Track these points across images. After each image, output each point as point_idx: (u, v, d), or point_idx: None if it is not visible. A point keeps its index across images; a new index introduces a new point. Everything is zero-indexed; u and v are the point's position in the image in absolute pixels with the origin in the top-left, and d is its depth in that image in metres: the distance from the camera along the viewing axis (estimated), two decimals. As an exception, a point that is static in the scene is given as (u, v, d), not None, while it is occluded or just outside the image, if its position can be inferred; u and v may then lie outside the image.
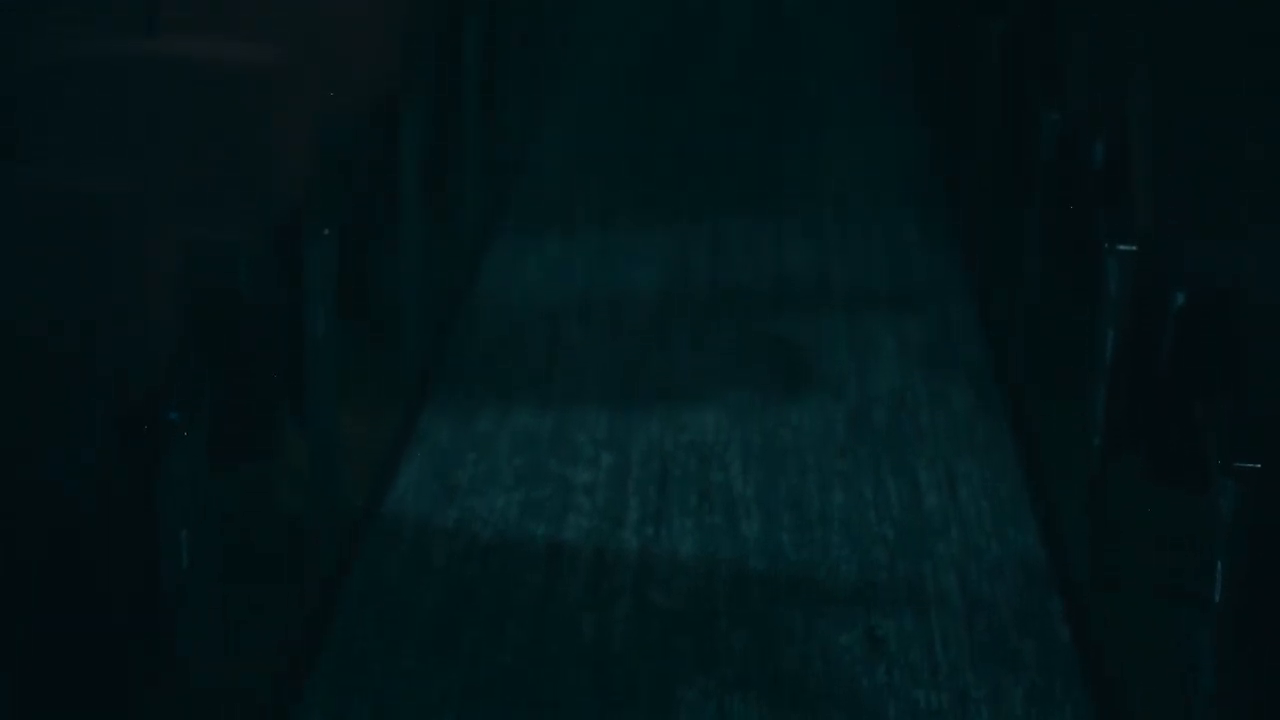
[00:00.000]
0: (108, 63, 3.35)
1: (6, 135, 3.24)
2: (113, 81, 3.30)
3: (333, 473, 3.48)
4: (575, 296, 4.73)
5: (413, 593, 3.34)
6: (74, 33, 3.57)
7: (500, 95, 5.52)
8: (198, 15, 3.93)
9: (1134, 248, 3.34)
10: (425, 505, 3.66)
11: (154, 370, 2.58)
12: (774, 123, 6.26)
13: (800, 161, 5.81)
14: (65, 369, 2.42)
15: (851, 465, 3.85)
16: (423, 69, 4.25)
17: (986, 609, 3.31)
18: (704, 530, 3.56)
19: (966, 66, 5.24)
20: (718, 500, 3.69)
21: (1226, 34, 3.99)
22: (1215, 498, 2.62)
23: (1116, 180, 3.63)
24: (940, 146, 5.81)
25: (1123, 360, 3.33)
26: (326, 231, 3.30)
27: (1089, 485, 3.40)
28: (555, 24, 7.15)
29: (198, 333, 2.76)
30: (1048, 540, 3.55)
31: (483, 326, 4.54)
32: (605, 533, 3.55)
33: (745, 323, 4.60)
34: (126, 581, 2.42)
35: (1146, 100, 3.48)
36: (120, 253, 2.60)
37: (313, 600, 3.30)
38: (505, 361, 4.35)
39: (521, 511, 3.63)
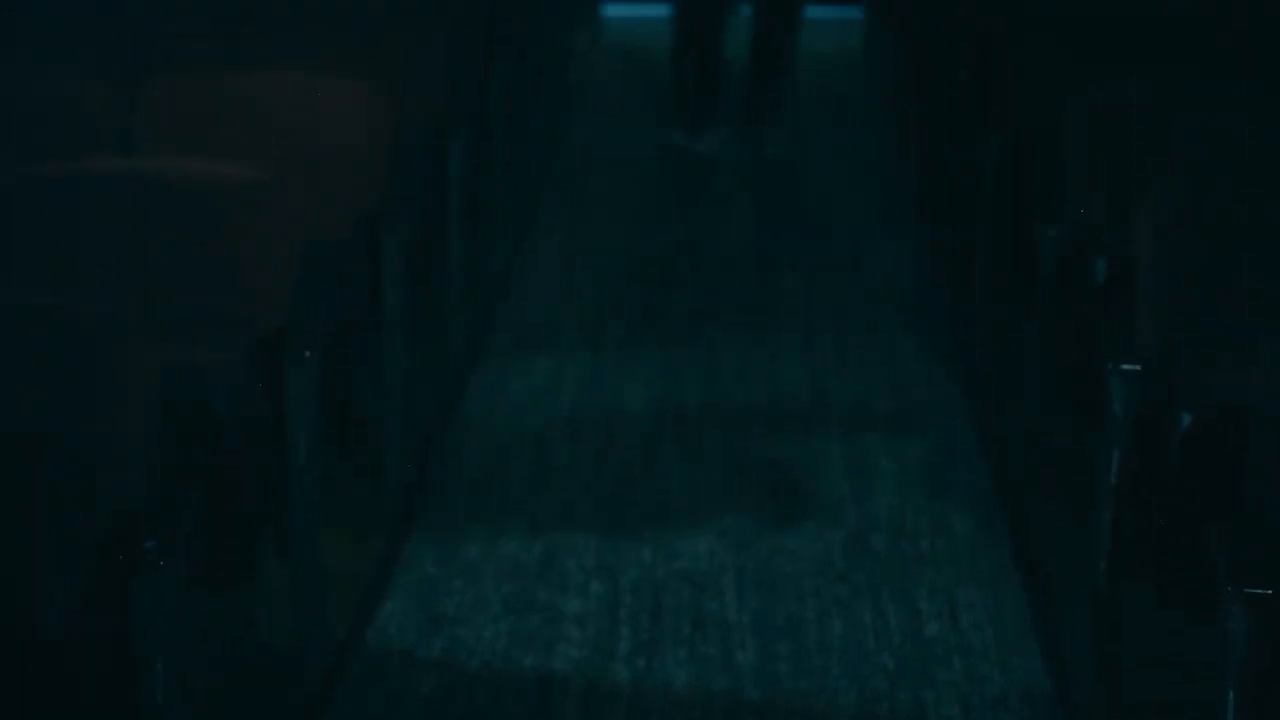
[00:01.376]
0: (84, 180, 3.38)
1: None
2: (90, 199, 3.33)
3: (315, 601, 3.48)
4: (564, 418, 4.74)
5: (397, 727, 3.33)
6: (50, 149, 3.61)
7: (488, 213, 5.56)
8: (175, 131, 3.97)
9: (1138, 366, 3.36)
10: (410, 635, 3.65)
11: (132, 495, 2.59)
12: (770, 236, 6.30)
13: (796, 276, 5.84)
14: (41, 493, 2.43)
15: (850, 592, 3.84)
16: (407, 186, 4.28)
17: (991, 741, 3.31)
18: (698, 661, 3.56)
19: (966, 180, 5.29)
20: (712, 630, 3.68)
21: (1232, 147, 4.04)
22: (1225, 624, 2.62)
23: (1119, 297, 3.65)
24: (939, 262, 5.85)
25: (1128, 482, 3.34)
26: (308, 354, 3.31)
27: (1095, 612, 3.40)
28: (547, 142, 7.21)
29: (176, 457, 2.76)
30: (1053, 669, 3.54)
31: (469, 449, 4.54)
32: (596, 664, 3.54)
33: (739, 445, 4.61)
34: (101, 715, 2.41)
35: (1150, 215, 3.51)
36: (98, 374, 2.61)
37: (293, 735, 3.28)
38: (492, 486, 4.35)
39: (509, 642, 3.62)
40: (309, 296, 3.50)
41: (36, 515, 2.43)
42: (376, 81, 4.15)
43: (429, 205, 4.62)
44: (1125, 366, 3.36)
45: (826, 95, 8.23)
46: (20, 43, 4.44)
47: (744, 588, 3.85)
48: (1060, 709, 3.41)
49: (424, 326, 4.67)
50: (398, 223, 4.08)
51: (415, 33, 4.73)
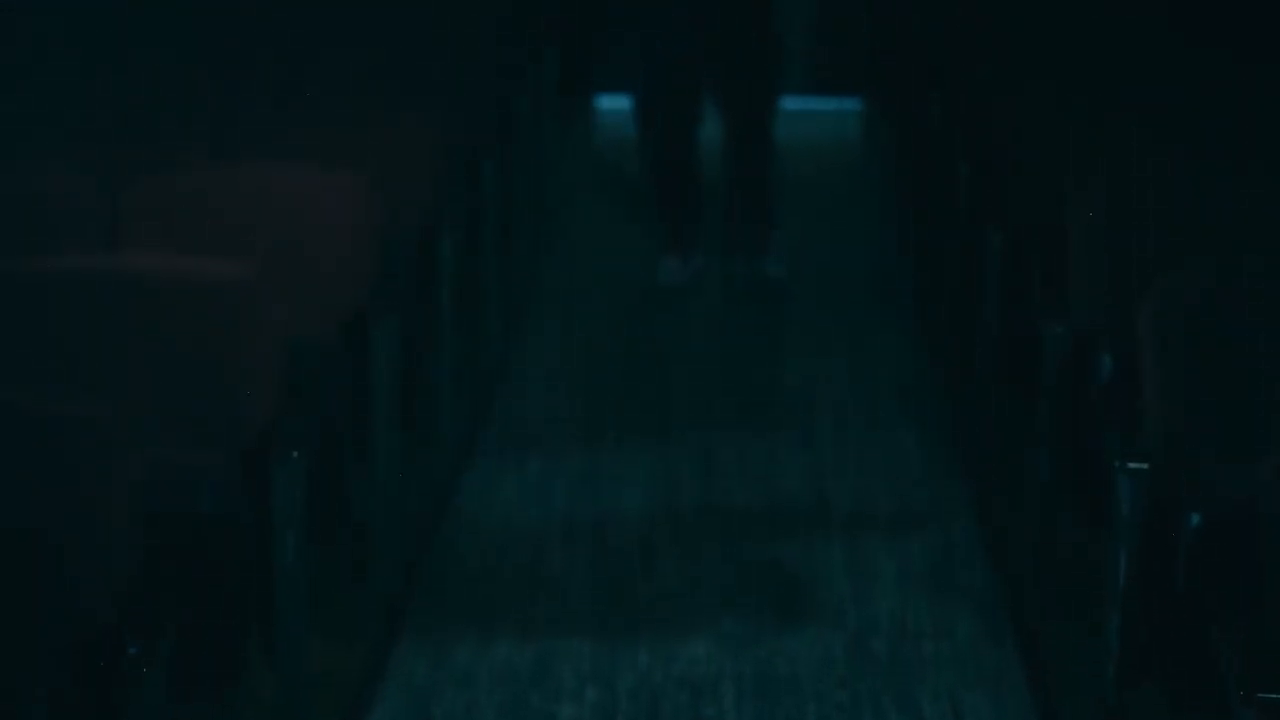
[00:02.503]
0: (67, 278, 3.39)
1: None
2: (73, 296, 3.35)
3: (303, 707, 3.47)
4: (558, 519, 4.74)
5: (385, 839, 3.31)
6: (33, 245, 3.62)
7: (479, 308, 5.58)
8: (160, 227, 3.99)
9: (1145, 465, 3.36)
10: (399, 744, 3.64)
11: (115, 599, 2.58)
12: (767, 332, 6.32)
13: (795, 374, 5.85)
14: (21, 595, 2.43)
15: (851, 697, 3.83)
16: (396, 282, 4.30)
17: None
18: (696, 769, 3.54)
19: (967, 278, 5.31)
20: (710, 736, 3.67)
21: (1239, 241, 4.06)
22: (1237, 729, 2.61)
23: (1125, 394, 3.66)
24: (940, 360, 5.86)
25: (1136, 584, 3.34)
26: (295, 454, 3.32)
27: (1103, 717, 3.39)
28: (539, 236, 7.24)
29: (160, 560, 2.77)
30: (1062, 777, 3.53)
31: (461, 550, 4.54)
32: (591, 773, 3.53)
33: (737, 546, 4.61)
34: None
35: (1155, 311, 3.53)
36: (81, 476, 2.61)
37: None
38: (484, 588, 4.34)
39: (502, 750, 3.61)
40: (296, 395, 3.51)
41: (16, 618, 2.43)
42: (365, 175, 4.17)
43: (419, 301, 4.64)
44: (1132, 465, 3.36)
45: (823, 188, 8.27)
46: (2, 136, 4.47)
47: (743, 693, 3.84)
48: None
49: (414, 424, 4.67)
50: (387, 319, 4.09)
51: (404, 126, 4.77)
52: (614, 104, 10.09)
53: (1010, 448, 4.70)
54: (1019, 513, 4.44)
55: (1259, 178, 4.36)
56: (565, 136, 8.80)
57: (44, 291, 3.35)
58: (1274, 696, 2.58)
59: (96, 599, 2.55)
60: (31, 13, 5.76)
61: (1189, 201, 4.19)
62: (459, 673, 3.91)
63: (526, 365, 5.93)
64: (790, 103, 7.29)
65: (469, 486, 4.93)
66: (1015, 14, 7.01)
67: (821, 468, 5.09)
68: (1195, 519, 3.19)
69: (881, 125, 9.02)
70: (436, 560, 4.48)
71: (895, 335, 6.26)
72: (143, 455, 2.77)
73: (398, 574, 4.32)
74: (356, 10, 6.68)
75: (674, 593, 4.33)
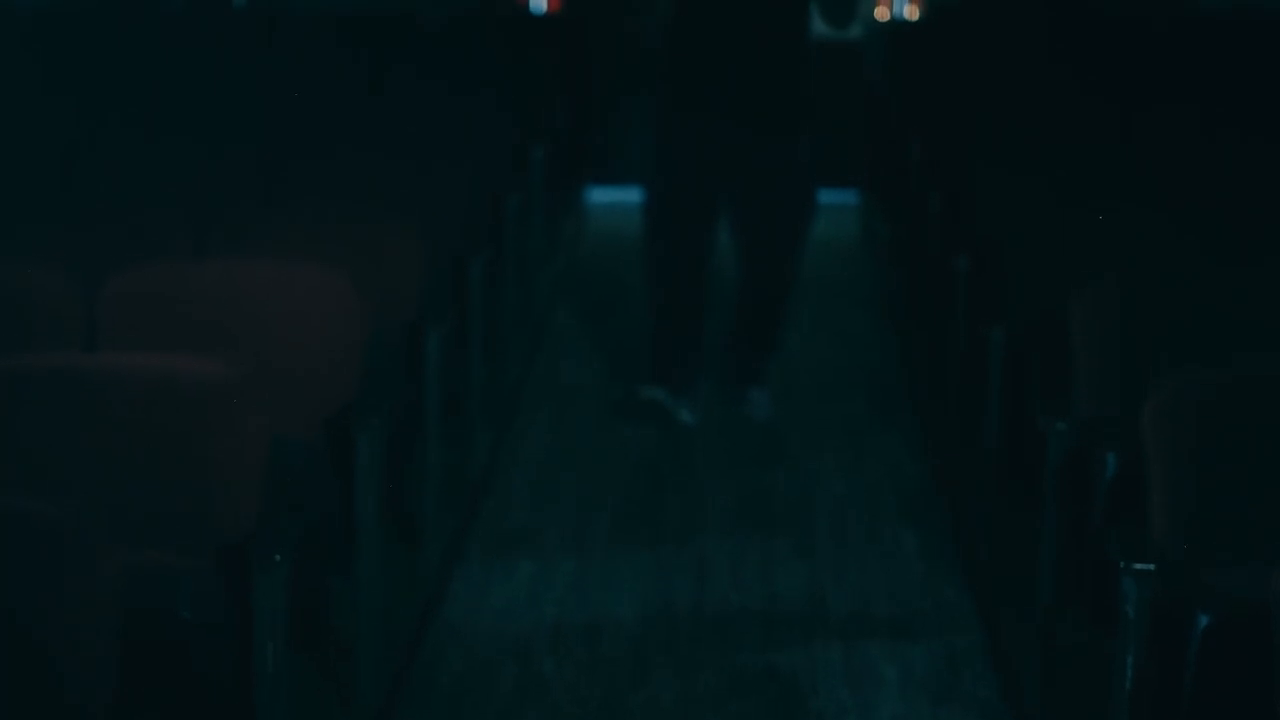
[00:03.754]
0: (47, 377, 3.41)
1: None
2: (52, 396, 3.36)
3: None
4: (547, 627, 4.73)
5: None
6: (12, 344, 3.64)
7: (466, 408, 5.59)
8: (141, 325, 4.02)
9: (1151, 566, 3.37)
10: None
11: (94, 703, 2.59)
12: (763, 434, 6.33)
13: (791, 477, 5.86)
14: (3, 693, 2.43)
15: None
16: (381, 382, 4.32)
17: None
18: None
19: (967, 376, 5.34)
20: None
21: (1244, 337, 4.09)
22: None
23: (1131, 493, 3.67)
24: (941, 461, 5.88)
25: (1144, 688, 3.34)
26: (278, 557, 3.32)
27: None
28: (529, 335, 7.26)
29: (139, 664, 2.77)
30: None
31: (448, 658, 4.53)
32: None
33: (733, 653, 4.60)
34: None
35: (1161, 407, 3.55)
36: (62, 578, 2.61)
37: None
38: (472, 698, 4.34)
39: None
40: (279, 497, 3.52)
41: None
42: (350, 273, 4.20)
43: (405, 401, 4.65)
44: (1138, 566, 3.37)
45: (819, 283, 8.29)
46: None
47: (739, 805, 3.83)
48: None
49: (400, 528, 4.68)
50: (372, 419, 4.10)
51: (391, 223, 4.80)
52: (606, 197, 10.16)
53: (1013, 549, 4.71)
54: (1023, 616, 4.44)
55: (1271, 272, 4.39)
56: (556, 232, 8.84)
57: (21, 390, 3.37)
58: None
59: (78, 701, 2.55)
60: (13, 106, 5.82)
61: (1195, 297, 4.22)
62: (446, 785, 3.89)
63: (516, 466, 5.93)
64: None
65: (456, 593, 4.92)
66: (1015, 107, 7.09)
67: (819, 573, 5.09)
68: (1203, 621, 3.20)
69: (879, 219, 9.08)
70: (423, 668, 4.47)
71: (894, 435, 6.27)
72: (124, 556, 2.77)
73: (382, 684, 4.31)
74: (344, 108, 6.75)
75: (668, 703, 4.32)
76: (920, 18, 11.60)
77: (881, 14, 11.62)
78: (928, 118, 7.59)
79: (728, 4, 6.05)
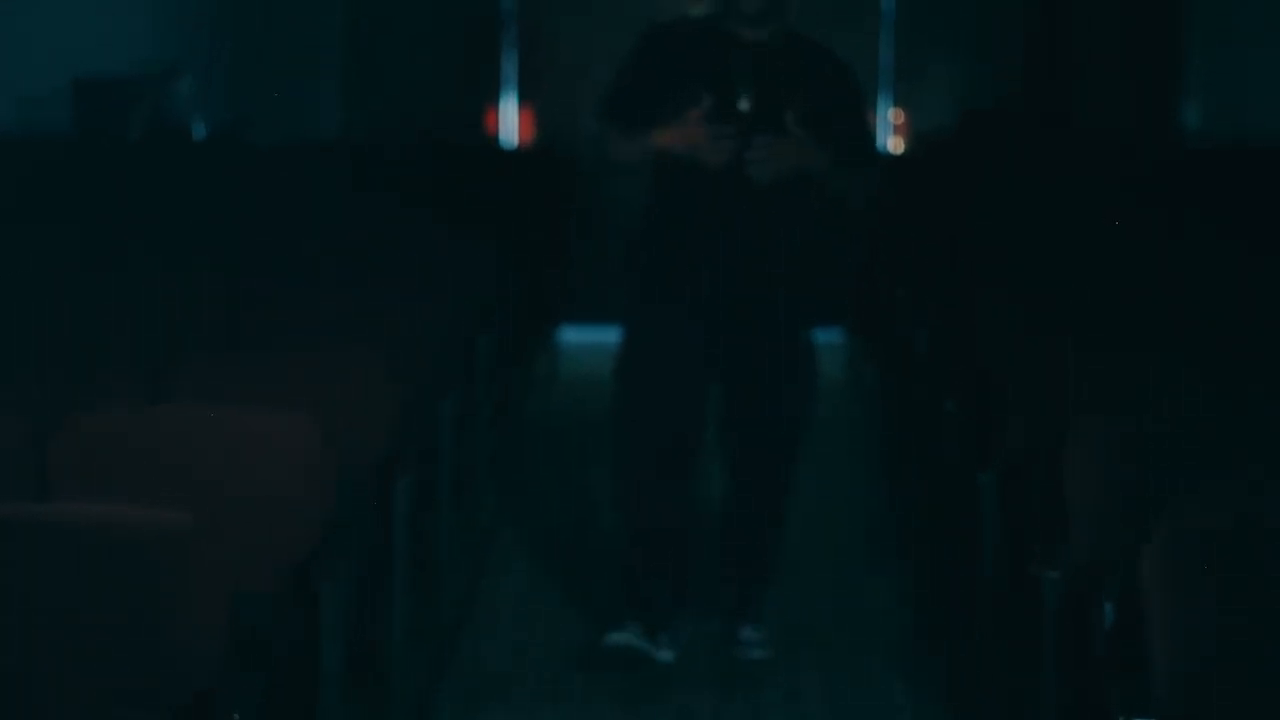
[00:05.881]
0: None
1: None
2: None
3: None
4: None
5: None
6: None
7: (436, 558, 5.57)
8: (93, 473, 4.00)
9: (1154, 719, 3.35)
10: None
11: None
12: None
13: (777, 625, 5.83)
14: None
15: None
16: (347, 530, 4.30)
17: None
18: None
19: (957, 522, 5.33)
20: None
21: (1247, 480, 4.09)
22: None
23: (1130, 643, 3.66)
24: (930, 609, 5.86)
25: None
26: (236, 716, 3.30)
27: None
28: (501, 480, 7.26)
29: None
30: None
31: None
32: None
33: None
34: None
35: (1161, 553, 3.54)
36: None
37: None
38: None
39: None
40: (238, 654, 3.49)
41: None
42: (315, 416, 4.19)
43: (372, 550, 4.63)
44: (1139, 719, 3.35)
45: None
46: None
47: None
48: None
49: (366, 683, 4.64)
50: (337, 570, 4.08)
51: (357, 365, 4.80)
52: (579, 336, 10.20)
53: (1009, 701, 4.68)
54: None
55: (1275, 411, 4.40)
56: (529, 373, 8.86)
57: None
58: None
59: None
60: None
61: (1194, 436, 4.23)
62: None
63: (488, 614, 5.91)
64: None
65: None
66: (1005, 244, 7.14)
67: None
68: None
69: (865, 358, 9.12)
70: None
71: (883, 582, 6.26)
72: (75, 716, 2.75)
73: None
74: (309, 243, 6.78)
75: None
76: (905, 151, 11.72)
77: (865, 147, 11.69)
78: (914, 254, 7.64)
79: (723, 170, 5.22)
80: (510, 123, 11.91)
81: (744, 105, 5.25)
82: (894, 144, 11.86)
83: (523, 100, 11.94)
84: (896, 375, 7.35)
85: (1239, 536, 3.62)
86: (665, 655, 5.44)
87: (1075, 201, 8.01)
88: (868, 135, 5.59)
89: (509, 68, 11.93)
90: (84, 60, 9.33)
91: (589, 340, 9.90)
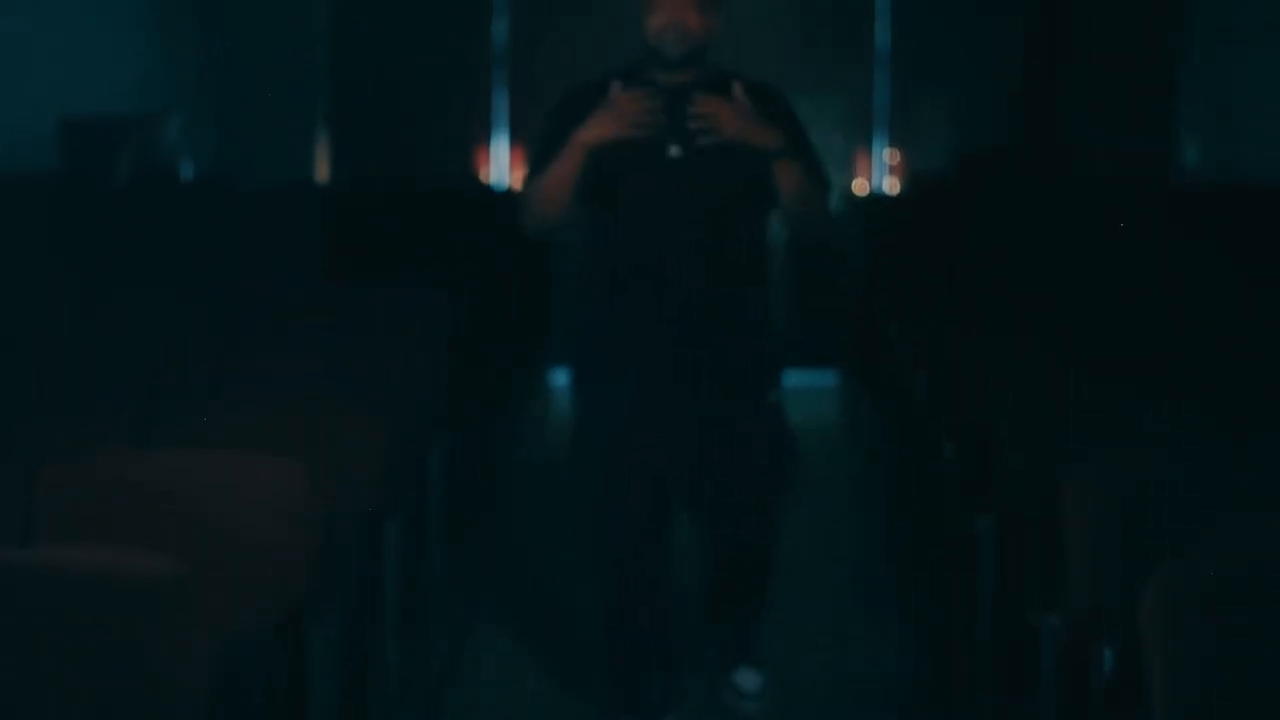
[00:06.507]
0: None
1: None
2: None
3: None
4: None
5: None
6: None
7: (426, 605, 5.56)
8: (79, 519, 4.00)
9: (1154, 769, 3.35)
10: None
11: None
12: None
13: (769, 676, 5.83)
14: None
15: None
16: (337, 577, 4.30)
17: None
18: None
19: (955, 568, 5.33)
20: None
21: (1249, 528, 4.09)
22: None
23: (1130, 691, 3.66)
24: (928, 657, 5.85)
25: None
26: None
27: None
28: (492, 527, 7.25)
29: None
30: None
31: None
32: None
33: None
34: None
35: (1160, 598, 3.54)
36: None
37: None
38: None
39: None
40: (226, 699, 3.48)
41: None
42: (305, 461, 4.19)
43: (361, 598, 4.63)
44: (1140, 769, 3.35)
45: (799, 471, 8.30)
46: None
47: None
48: None
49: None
50: (326, 617, 4.08)
51: (347, 413, 4.80)
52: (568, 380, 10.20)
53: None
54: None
55: (1269, 456, 4.40)
56: (519, 416, 8.86)
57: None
58: None
59: None
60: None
61: (1197, 481, 4.23)
62: None
63: (480, 663, 5.90)
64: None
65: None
66: (1004, 287, 7.15)
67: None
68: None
69: (860, 402, 9.12)
70: None
71: (879, 631, 6.25)
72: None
73: None
74: (299, 287, 6.79)
75: None
76: (901, 192, 11.76)
77: (860, 187, 11.77)
78: (911, 295, 7.65)
79: (661, 218, 4.95)
80: (501, 162, 11.94)
81: (674, 151, 4.90)
82: (890, 184, 11.89)
83: (514, 140, 11.97)
84: (893, 419, 7.35)
85: (1241, 584, 3.62)
86: None
87: (1074, 243, 8.02)
88: (816, 163, 5.03)
89: (500, 107, 11.95)
90: (72, 101, 9.35)
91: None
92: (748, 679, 5.49)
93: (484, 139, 11.98)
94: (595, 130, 4.85)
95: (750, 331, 5.06)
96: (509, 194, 11.48)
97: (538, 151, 5.03)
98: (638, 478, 5.05)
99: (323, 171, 11.92)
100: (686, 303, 4.93)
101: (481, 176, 11.96)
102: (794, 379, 9.16)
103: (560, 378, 10.28)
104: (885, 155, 11.90)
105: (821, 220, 5.11)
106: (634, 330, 4.98)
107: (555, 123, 5.01)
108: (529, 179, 5.01)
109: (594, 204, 4.95)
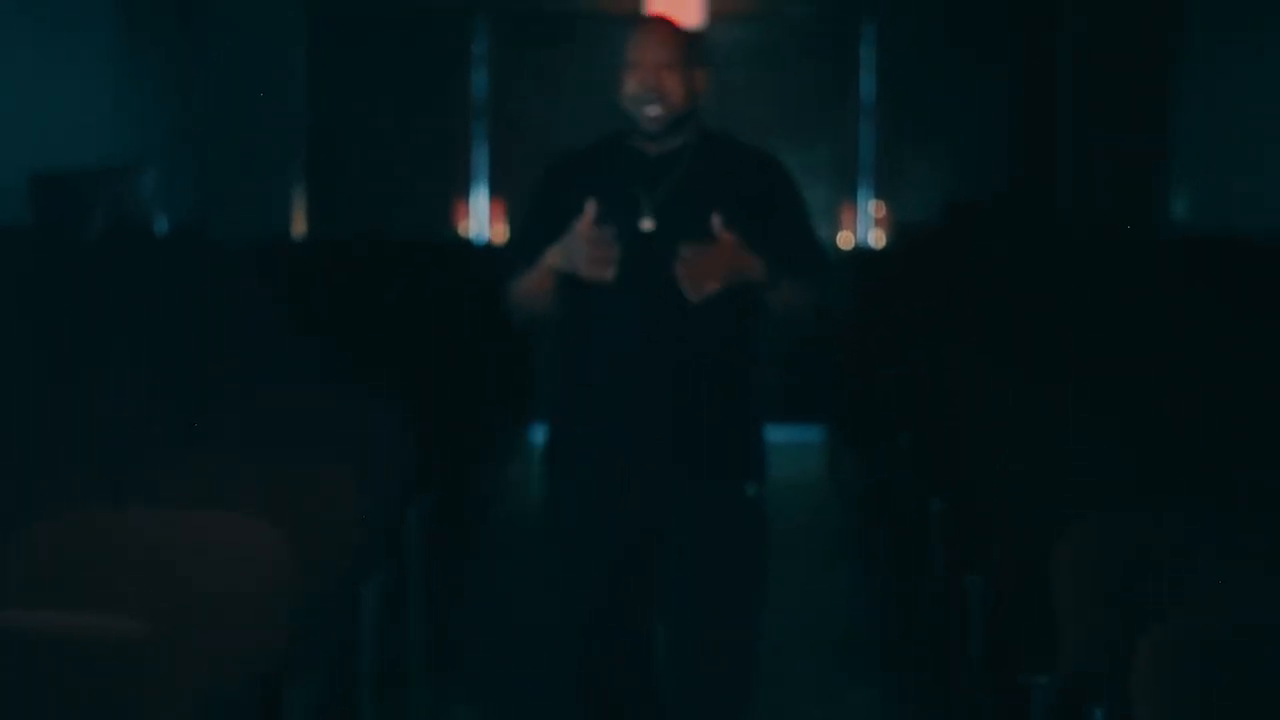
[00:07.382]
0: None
1: None
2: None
3: None
4: None
5: None
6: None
7: (404, 667, 5.55)
8: (52, 580, 3.99)
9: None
10: None
11: None
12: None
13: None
14: None
15: None
16: (313, 637, 4.29)
17: None
18: None
19: (944, 627, 5.33)
20: None
21: (1240, 585, 4.09)
22: None
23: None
24: (917, 718, 5.85)
25: None
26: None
27: None
28: (472, 587, 7.24)
29: None
30: None
31: None
32: None
33: None
34: None
35: (1152, 659, 3.54)
36: None
37: None
38: None
39: None
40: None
41: None
42: (281, 522, 4.19)
43: (338, 658, 4.62)
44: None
45: (783, 528, 8.30)
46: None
47: None
48: None
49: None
50: (302, 680, 4.07)
51: (324, 473, 4.79)
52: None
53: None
54: None
55: (1273, 515, 4.40)
56: (499, 475, 8.86)
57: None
58: None
59: None
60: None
61: (1189, 541, 4.23)
62: None
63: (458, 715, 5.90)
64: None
65: None
66: (992, 341, 7.16)
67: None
68: None
69: (845, 457, 9.12)
70: None
71: (867, 693, 6.24)
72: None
73: None
74: (274, 343, 6.79)
75: None
76: (887, 245, 11.79)
77: (846, 240, 11.81)
78: (896, 349, 7.66)
79: (631, 298, 4.55)
80: (481, 216, 11.96)
81: (647, 225, 4.51)
82: (875, 236, 11.93)
83: (494, 193, 12.00)
84: (880, 476, 7.36)
85: (1233, 645, 3.62)
86: None
87: (1062, 296, 8.04)
88: (812, 240, 4.68)
89: (480, 160, 11.99)
90: (44, 154, 9.36)
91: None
92: None
93: (464, 192, 12.01)
94: (563, 262, 4.48)
95: (727, 419, 4.63)
96: (489, 248, 11.51)
97: (521, 230, 4.73)
98: (604, 576, 4.69)
99: (300, 225, 11.94)
100: (656, 388, 4.55)
101: (461, 230, 11.99)
102: (779, 434, 9.18)
103: (540, 435, 10.28)
104: (870, 207, 11.94)
105: (810, 313, 4.71)
106: (602, 417, 4.62)
107: (538, 199, 4.69)
108: (511, 271, 4.65)
109: (563, 282, 4.56)
